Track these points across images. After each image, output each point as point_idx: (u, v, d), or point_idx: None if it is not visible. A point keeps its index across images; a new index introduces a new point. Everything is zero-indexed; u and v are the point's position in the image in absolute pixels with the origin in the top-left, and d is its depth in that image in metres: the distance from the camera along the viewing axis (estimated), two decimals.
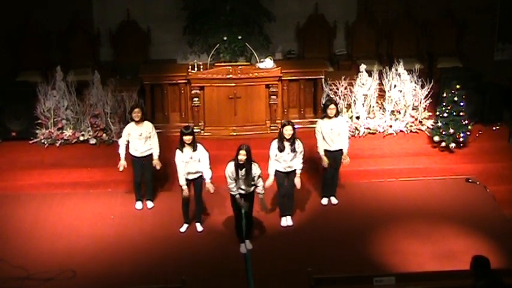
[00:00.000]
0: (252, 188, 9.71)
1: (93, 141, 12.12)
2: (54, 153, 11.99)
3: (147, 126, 10.68)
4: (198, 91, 12.33)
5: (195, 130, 12.26)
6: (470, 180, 11.53)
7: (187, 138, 9.92)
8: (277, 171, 10.20)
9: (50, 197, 11.14)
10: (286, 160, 10.09)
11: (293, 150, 10.03)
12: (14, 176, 11.52)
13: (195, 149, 10.00)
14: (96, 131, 12.23)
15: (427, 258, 9.60)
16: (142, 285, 8.97)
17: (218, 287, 9.25)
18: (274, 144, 10.11)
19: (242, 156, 9.44)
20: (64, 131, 12.17)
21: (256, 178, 9.60)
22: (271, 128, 12.39)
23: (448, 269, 8.77)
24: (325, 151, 10.66)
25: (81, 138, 12.15)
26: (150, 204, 10.95)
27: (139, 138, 10.57)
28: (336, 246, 9.97)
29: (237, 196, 9.64)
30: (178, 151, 10.00)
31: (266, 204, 9.98)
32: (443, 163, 11.93)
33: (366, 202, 11.04)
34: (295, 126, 10.18)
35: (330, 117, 10.57)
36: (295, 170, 10.20)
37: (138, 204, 10.93)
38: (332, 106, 10.55)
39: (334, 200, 11.06)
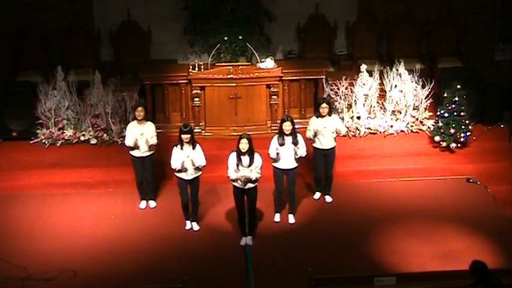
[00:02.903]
0: (253, 184, 9.73)
1: (94, 141, 12.13)
2: (54, 153, 12.00)
3: (150, 127, 10.66)
4: (198, 91, 12.33)
5: (195, 130, 12.35)
6: (471, 180, 11.53)
7: (185, 137, 9.91)
8: (276, 169, 10.27)
9: (51, 197, 11.14)
10: (285, 155, 10.12)
11: (295, 144, 10.09)
12: (15, 176, 11.52)
13: (194, 148, 9.98)
14: (97, 131, 12.24)
15: (427, 258, 9.60)
16: (143, 285, 8.97)
17: (219, 287, 9.26)
18: (275, 139, 10.18)
19: (244, 145, 9.54)
20: (65, 131, 12.18)
21: (258, 168, 9.65)
22: (272, 128, 12.38)
23: (449, 269, 8.76)
24: (317, 149, 10.73)
25: (82, 138, 12.16)
26: (152, 203, 10.95)
27: (141, 138, 10.55)
28: (336, 246, 9.97)
29: (239, 176, 9.61)
30: (175, 148, 9.98)
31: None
32: (444, 163, 11.93)
33: (366, 202, 11.04)
34: (296, 126, 10.26)
35: (322, 116, 10.62)
36: (294, 168, 10.26)
37: (142, 204, 10.92)
38: (324, 105, 10.61)
39: (328, 199, 11.08)
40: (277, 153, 10.12)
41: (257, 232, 10.24)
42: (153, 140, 10.59)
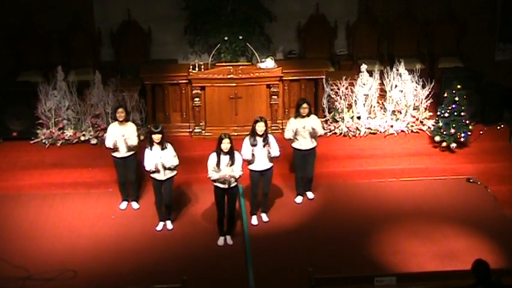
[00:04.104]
0: (234, 183, 9.75)
1: (94, 141, 12.13)
2: (55, 153, 12.00)
3: (131, 128, 10.63)
4: (199, 91, 12.33)
5: (196, 130, 12.35)
6: (471, 180, 11.53)
7: (156, 137, 9.90)
8: (252, 171, 10.25)
9: (51, 197, 11.14)
10: (259, 157, 10.09)
11: (265, 145, 10.07)
12: (15, 176, 11.52)
13: (163, 148, 9.96)
14: (97, 131, 12.24)
15: (428, 258, 9.61)
16: (143, 285, 8.98)
17: (219, 287, 9.26)
18: (247, 140, 10.15)
19: (227, 145, 9.56)
20: (65, 131, 12.18)
21: (240, 166, 9.71)
22: (272, 128, 12.37)
23: (449, 269, 8.77)
24: (297, 150, 10.70)
25: (82, 138, 12.16)
26: (135, 205, 10.94)
27: (122, 139, 10.52)
28: (336, 246, 9.97)
29: (221, 175, 9.64)
30: (147, 150, 10.02)
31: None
32: (444, 163, 11.92)
33: (367, 202, 11.03)
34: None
35: (302, 116, 10.61)
36: (270, 169, 10.25)
37: (123, 205, 10.91)
38: (305, 105, 10.60)
39: (310, 195, 11.08)
40: (253, 154, 10.06)
41: (257, 232, 10.25)
42: (132, 142, 10.56)
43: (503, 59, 14.95)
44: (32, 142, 12.18)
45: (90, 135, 12.16)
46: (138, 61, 14.06)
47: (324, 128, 11.49)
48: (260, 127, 10.02)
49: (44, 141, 12.14)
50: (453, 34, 14.70)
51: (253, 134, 10.11)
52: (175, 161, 10.07)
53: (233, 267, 9.54)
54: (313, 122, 10.68)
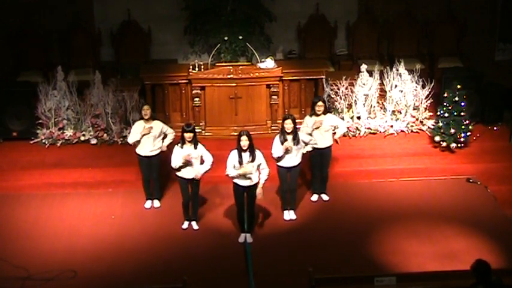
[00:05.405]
0: (255, 181, 9.77)
1: (94, 141, 12.14)
2: (55, 153, 12.00)
3: (158, 125, 10.66)
4: (199, 91, 12.34)
5: (196, 130, 12.34)
6: (471, 181, 11.53)
7: (188, 136, 9.94)
8: (280, 167, 10.31)
9: (51, 197, 11.14)
10: (288, 154, 10.18)
11: (296, 143, 10.13)
12: (15, 176, 11.52)
13: (195, 147, 10.01)
14: (97, 131, 12.25)
15: (427, 258, 9.60)
16: (143, 285, 8.98)
17: (219, 287, 9.26)
18: (277, 138, 10.22)
19: (245, 142, 9.62)
20: (65, 131, 12.19)
21: (264, 164, 9.77)
22: (272, 128, 12.39)
23: (449, 269, 8.76)
24: (314, 148, 10.73)
25: (82, 138, 12.17)
26: (156, 203, 10.95)
27: (148, 137, 10.55)
28: (336, 246, 9.97)
29: (240, 172, 9.68)
30: (177, 147, 10.03)
31: (262, 192, 9.94)
32: (444, 163, 11.92)
33: (367, 202, 11.03)
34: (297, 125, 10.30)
35: (318, 115, 10.63)
36: (297, 165, 10.32)
37: (148, 203, 10.91)
38: (320, 103, 10.62)
39: (325, 197, 11.10)
40: (287, 149, 10.11)
41: (257, 232, 10.26)
42: (171, 132, 10.69)
43: (503, 59, 14.94)
44: (32, 142, 12.19)
45: (90, 135, 12.16)
46: (138, 61, 14.07)
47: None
48: (288, 124, 10.10)
49: (44, 141, 12.15)
50: (453, 34, 14.70)
51: (283, 131, 10.18)
52: (211, 158, 10.10)
53: (233, 267, 9.54)
54: (332, 120, 10.74)
